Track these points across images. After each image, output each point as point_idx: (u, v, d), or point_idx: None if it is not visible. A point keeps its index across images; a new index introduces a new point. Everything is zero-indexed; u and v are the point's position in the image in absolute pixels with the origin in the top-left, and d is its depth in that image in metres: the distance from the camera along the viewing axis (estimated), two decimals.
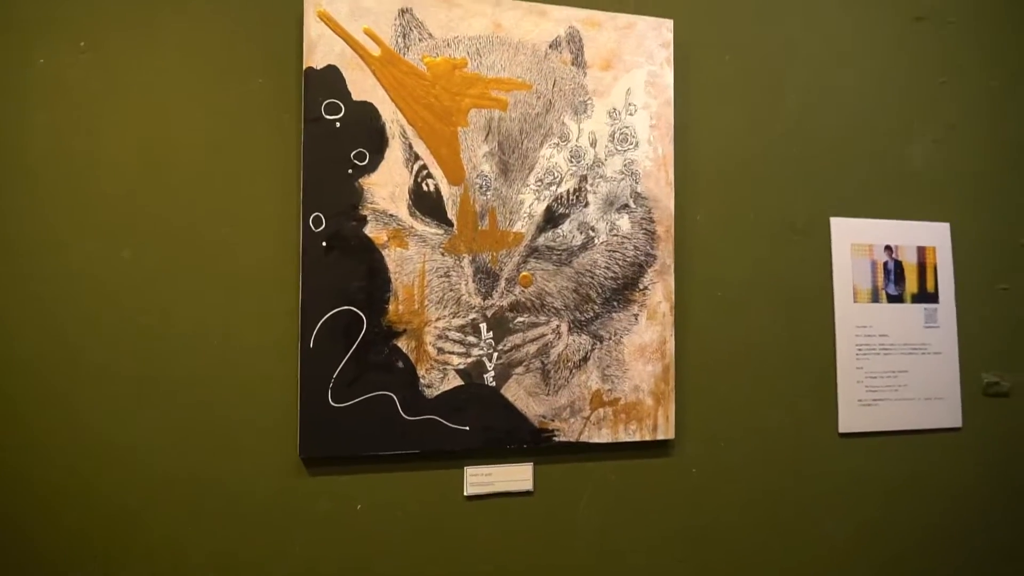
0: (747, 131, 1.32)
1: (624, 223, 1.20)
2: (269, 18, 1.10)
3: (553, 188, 1.17)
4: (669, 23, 1.24)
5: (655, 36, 1.23)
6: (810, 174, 1.34)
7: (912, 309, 1.38)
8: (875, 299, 1.36)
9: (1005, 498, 1.41)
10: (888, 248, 1.38)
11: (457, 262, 1.12)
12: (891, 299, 1.37)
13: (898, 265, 1.38)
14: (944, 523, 1.37)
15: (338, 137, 1.08)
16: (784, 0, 1.35)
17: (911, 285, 1.38)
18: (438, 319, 1.11)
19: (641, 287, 1.21)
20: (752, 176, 1.31)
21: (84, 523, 0.98)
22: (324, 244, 1.07)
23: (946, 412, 1.38)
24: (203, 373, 1.04)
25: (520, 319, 1.15)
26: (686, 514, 1.24)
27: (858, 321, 1.35)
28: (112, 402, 1.01)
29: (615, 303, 1.20)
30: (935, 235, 1.41)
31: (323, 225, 1.07)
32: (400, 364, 1.09)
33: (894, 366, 1.36)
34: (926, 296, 1.39)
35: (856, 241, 1.36)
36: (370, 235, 1.09)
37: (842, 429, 1.32)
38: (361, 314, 1.08)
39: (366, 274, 1.08)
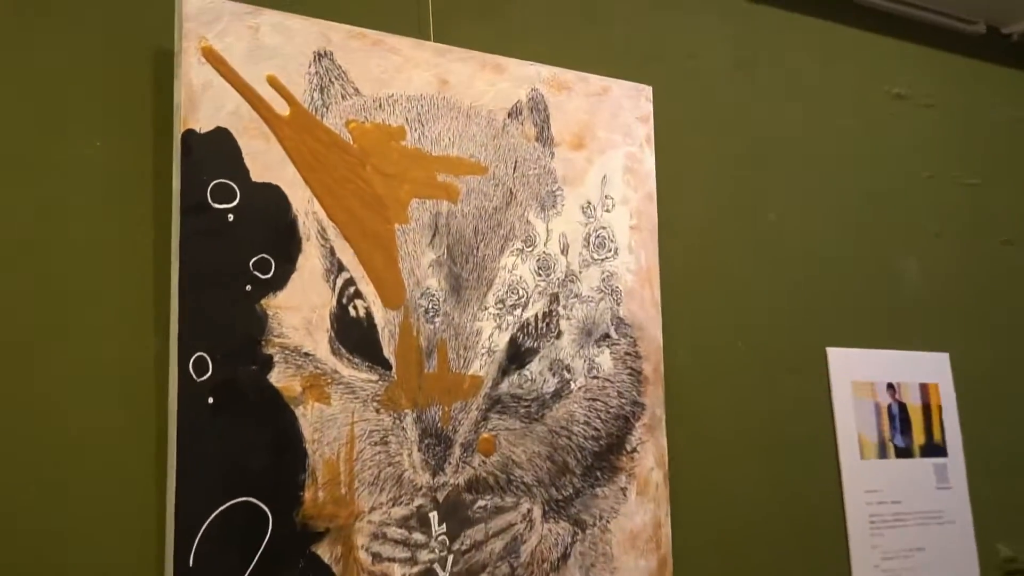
0: (729, 238, 1.61)
1: (605, 360, 1.39)
2: (113, 47, 1.14)
3: (518, 312, 1.32)
4: (648, 91, 1.51)
5: (632, 106, 1.48)
6: (801, 294, 1.68)
7: (922, 466, 1.75)
8: (883, 453, 1.71)
9: None
10: (890, 387, 1.76)
11: (397, 421, 1.21)
12: (899, 453, 1.74)
13: (902, 408, 1.76)
14: None
15: (231, 236, 1.13)
16: (766, 72, 1.72)
17: (918, 434, 1.77)
18: (373, 509, 1.18)
19: (629, 449, 1.40)
20: (739, 296, 1.60)
21: None
22: (211, 401, 1.09)
23: None
24: None
25: (481, 503, 1.26)
26: None
27: (868, 483, 1.68)
28: None
29: (598, 473, 1.37)
30: (936, 368, 1.83)
31: (209, 371, 1.09)
32: None
33: (910, 542, 1.70)
34: (934, 448, 1.78)
35: (857, 378, 1.72)
36: (278, 385, 1.13)
37: None
38: (265, 508, 1.10)
39: (272, 446, 1.11)
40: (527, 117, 1.38)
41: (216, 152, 1.13)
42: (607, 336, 1.41)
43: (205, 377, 1.10)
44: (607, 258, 1.43)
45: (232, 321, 1.12)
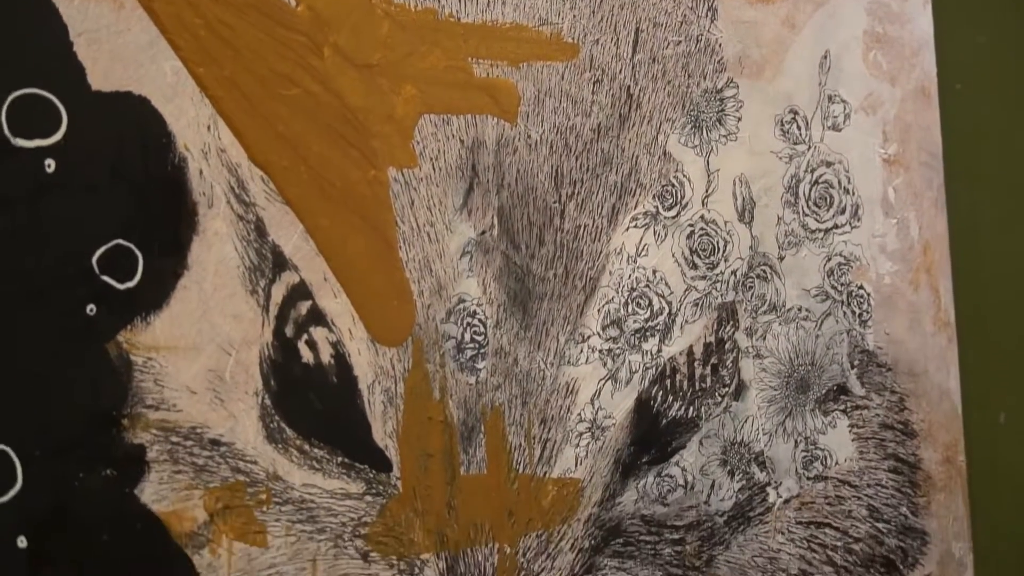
0: None
1: (841, 440, 1.04)
2: None
3: (651, 345, 0.97)
4: None
5: None
6: None
7: None
8: None
9: None
10: None
11: None
12: None
13: None
14: None
15: (53, 206, 0.84)
16: None
17: None
18: None
19: None
20: None
21: None
22: (23, 544, 0.80)
23: None
24: None
25: None
26: None
27: None
28: None
29: None
30: None
31: (17, 484, 0.81)
32: None
33: None
34: None
35: None
36: (157, 508, 0.83)
37: None
38: None
39: None
40: None
41: (13, 32, 0.84)
42: (842, 391, 1.07)
43: (10, 495, 0.81)
44: (837, 228, 1.09)
45: (60, 379, 0.82)
